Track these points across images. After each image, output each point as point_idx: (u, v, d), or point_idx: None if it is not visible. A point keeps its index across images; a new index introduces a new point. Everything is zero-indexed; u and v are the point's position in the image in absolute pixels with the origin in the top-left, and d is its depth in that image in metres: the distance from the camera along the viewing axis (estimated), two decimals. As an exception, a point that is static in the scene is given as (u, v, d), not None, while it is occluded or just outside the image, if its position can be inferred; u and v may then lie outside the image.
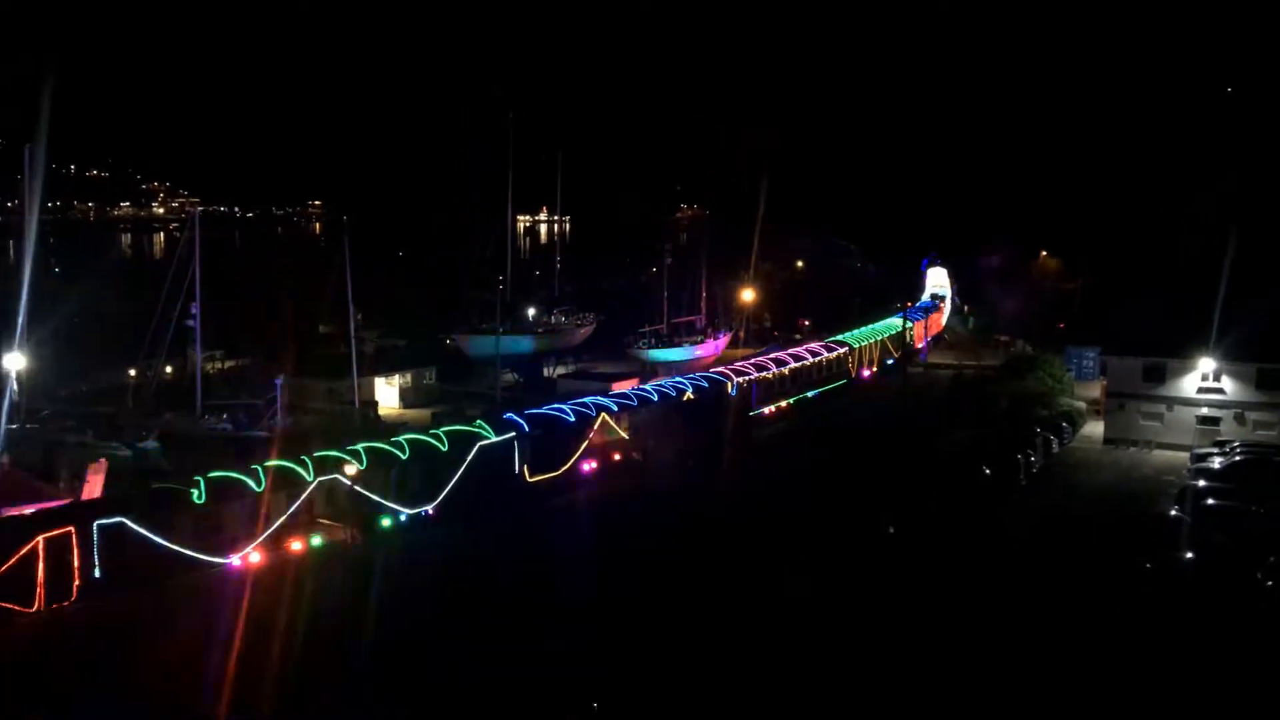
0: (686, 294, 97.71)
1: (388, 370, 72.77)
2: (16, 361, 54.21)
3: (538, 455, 49.42)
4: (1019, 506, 48.75)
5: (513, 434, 48.57)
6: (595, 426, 52.35)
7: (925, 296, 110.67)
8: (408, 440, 45.23)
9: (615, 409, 54.12)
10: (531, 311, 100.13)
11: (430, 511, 44.59)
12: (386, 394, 71.07)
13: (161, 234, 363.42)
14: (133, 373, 67.87)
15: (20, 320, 54.53)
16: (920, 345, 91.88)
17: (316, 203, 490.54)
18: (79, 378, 71.70)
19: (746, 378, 64.49)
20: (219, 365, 75.80)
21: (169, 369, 67.04)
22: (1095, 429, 63.44)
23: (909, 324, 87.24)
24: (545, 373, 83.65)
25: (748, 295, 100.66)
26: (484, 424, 48.46)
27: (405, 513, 43.77)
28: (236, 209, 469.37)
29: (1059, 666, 31.90)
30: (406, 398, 71.83)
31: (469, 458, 46.07)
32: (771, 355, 71.99)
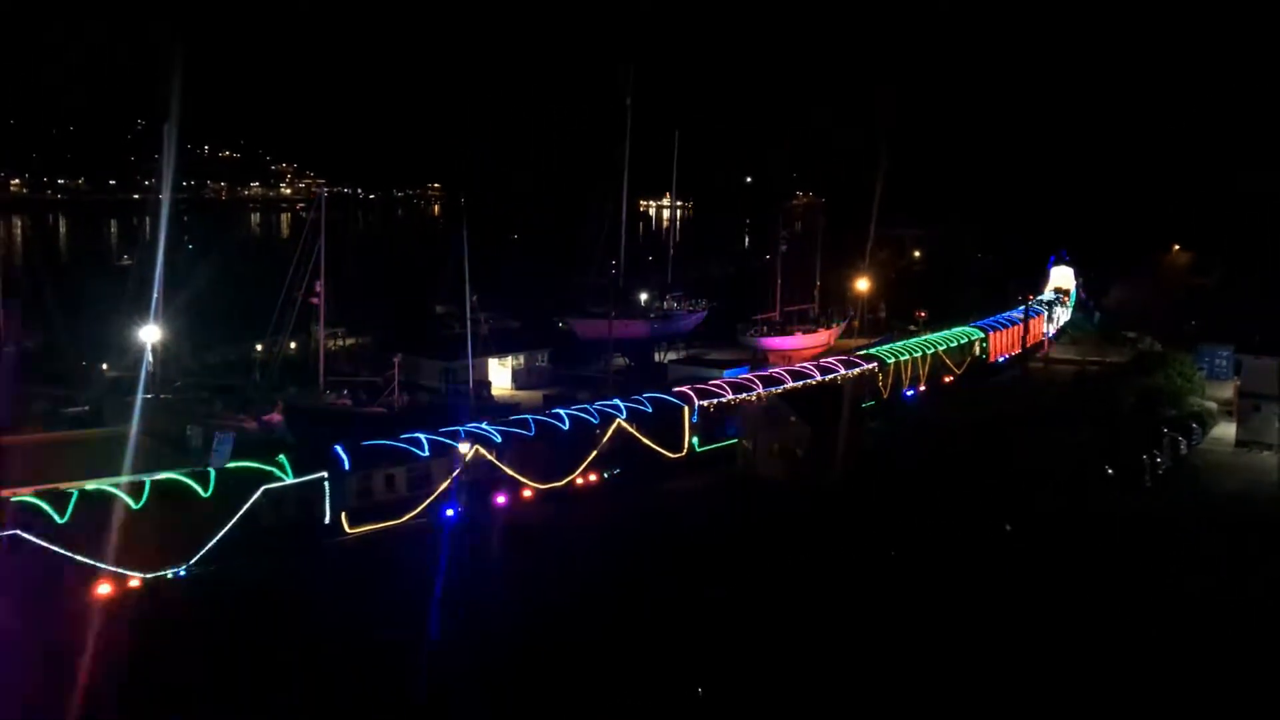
0: (800, 282, 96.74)
1: (501, 351, 73.81)
2: (152, 334, 56.54)
3: (371, 498, 41.83)
4: (1144, 508, 47.06)
5: (321, 474, 40.71)
6: (466, 462, 44.14)
7: (1048, 291, 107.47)
8: (153, 482, 37.38)
9: (498, 439, 45.60)
10: (644, 296, 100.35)
11: (182, 573, 37.03)
12: (499, 375, 72.12)
13: (288, 214, 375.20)
14: (259, 347, 70.16)
15: (155, 294, 56.84)
16: (1000, 358, 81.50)
17: (436, 185, 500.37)
18: (209, 351, 74.41)
19: (715, 400, 54.79)
20: (340, 342, 77.91)
21: (293, 344, 69.09)
22: (1226, 431, 60.79)
23: (982, 334, 78.42)
24: (656, 358, 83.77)
25: (862, 285, 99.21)
26: (285, 460, 40.40)
27: (138, 577, 35.90)
28: (360, 190, 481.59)
29: (1180, 678, 30.80)
30: (519, 379, 72.79)
31: (249, 503, 38.52)
32: (764, 373, 61.30)
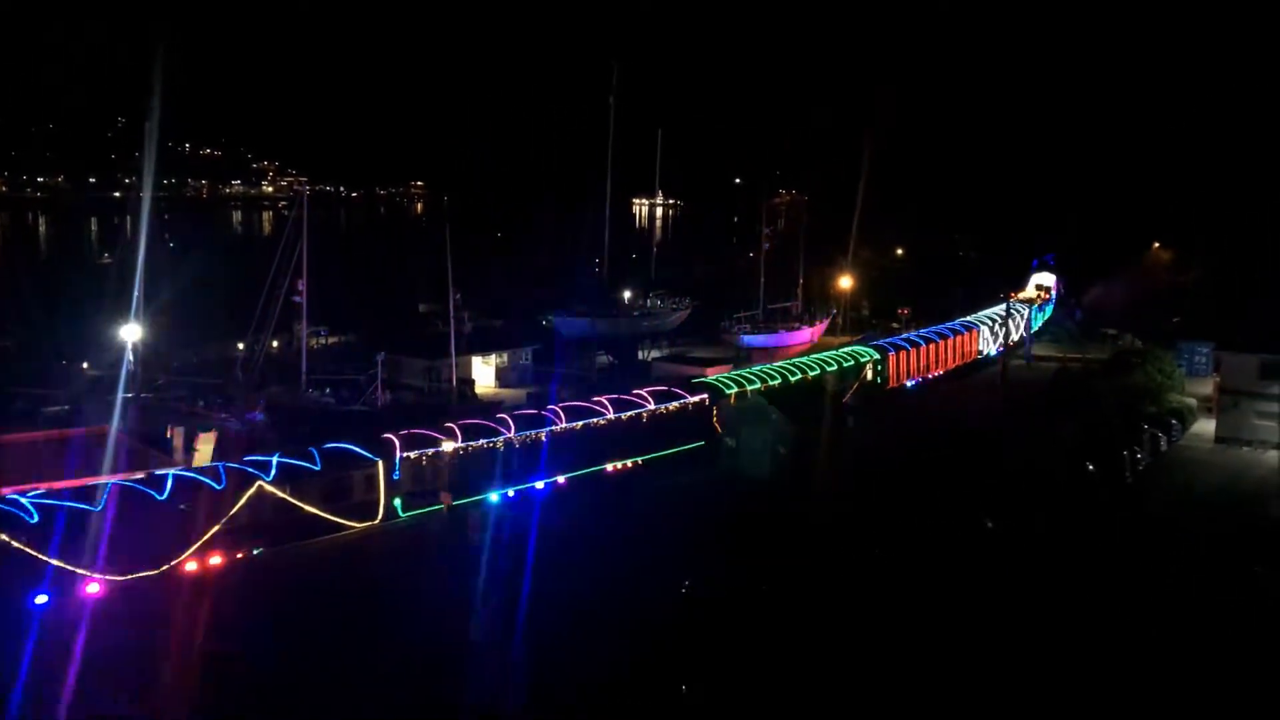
0: (783, 279, 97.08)
1: (484, 350, 73.78)
2: (133, 333, 56.26)
3: None
4: (1124, 505, 47.36)
5: None
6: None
7: (1030, 288, 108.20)
8: None
9: (32, 517, 34.34)
10: (627, 295, 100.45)
11: None
12: (483, 373, 72.08)
13: (270, 212, 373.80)
14: (241, 346, 69.96)
15: (136, 293, 56.58)
16: (909, 382, 71.44)
17: (419, 183, 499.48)
18: (190, 350, 74.13)
19: (429, 452, 43.98)
20: (323, 341, 77.74)
21: (275, 343, 68.94)
22: (1206, 427, 61.23)
23: (874, 355, 67.75)
24: (640, 356, 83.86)
25: (845, 282, 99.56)
26: None
27: None
28: (342, 188, 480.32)
29: (1168, 675, 31.00)
30: (502, 377, 72.78)
31: None
32: (563, 405, 50.26)
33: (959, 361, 78.33)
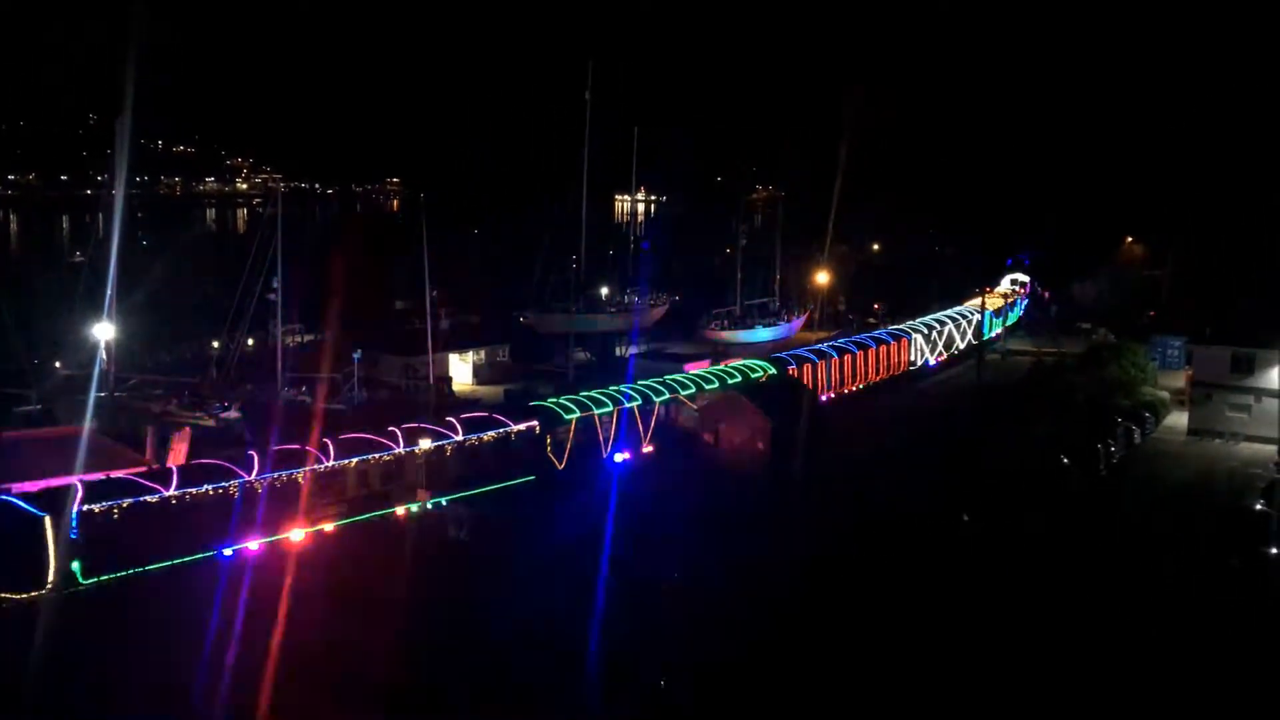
0: (760, 276, 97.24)
1: (462, 347, 73.58)
2: (106, 331, 55.78)
3: None
4: (1098, 497, 47.73)
5: None
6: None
7: (1005, 284, 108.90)
8: None
9: None
10: (605, 291, 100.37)
11: None
12: (460, 370, 71.92)
13: (244, 209, 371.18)
14: (216, 344, 69.53)
15: (109, 291, 56.10)
16: (827, 398, 63.56)
17: (394, 180, 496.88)
18: (165, 348, 73.57)
19: (118, 504, 34.52)
20: (299, 339, 77.27)
21: (250, 341, 68.54)
22: (1179, 420, 61.86)
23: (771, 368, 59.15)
24: (618, 352, 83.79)
25: (822, 278, 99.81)
26: None
27: None
28: (317, 185, 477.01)
29: (1143, 665, 31.27)
30: (480, 374, 72.63)
31: None
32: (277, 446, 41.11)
33: (885, 374, 70.41)
